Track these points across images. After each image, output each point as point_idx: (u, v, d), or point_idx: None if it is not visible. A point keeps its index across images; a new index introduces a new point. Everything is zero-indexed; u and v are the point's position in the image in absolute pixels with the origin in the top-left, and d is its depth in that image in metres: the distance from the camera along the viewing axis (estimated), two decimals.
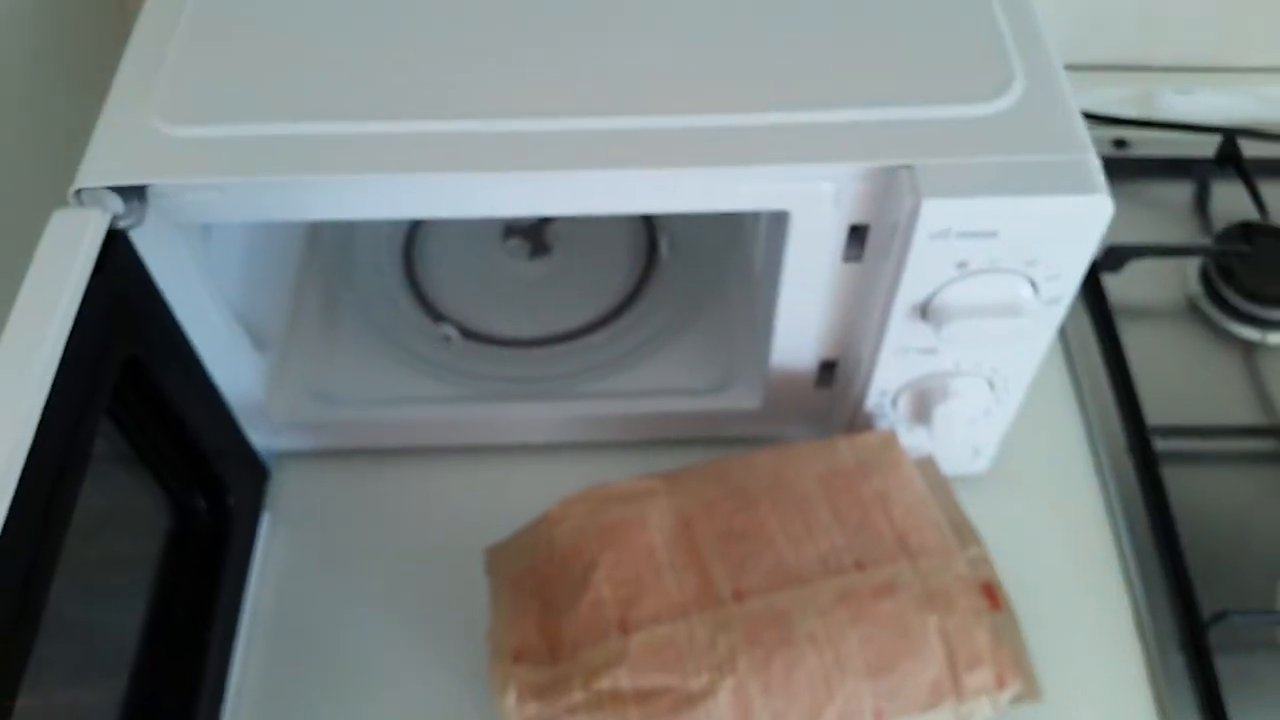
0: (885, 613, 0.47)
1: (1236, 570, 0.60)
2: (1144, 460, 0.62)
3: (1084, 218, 0.46)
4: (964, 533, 0.52)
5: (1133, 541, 0.60)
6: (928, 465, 0.55)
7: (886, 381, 0.55)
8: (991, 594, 0.50)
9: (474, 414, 0.63)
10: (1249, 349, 0.69)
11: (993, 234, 0.46)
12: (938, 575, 0.49)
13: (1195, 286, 0.72)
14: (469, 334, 0.65)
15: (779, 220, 0.49)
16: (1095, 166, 0.46)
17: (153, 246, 0.48)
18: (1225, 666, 0.55)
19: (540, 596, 0.50)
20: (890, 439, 0.54)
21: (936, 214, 0.45)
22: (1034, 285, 0.48)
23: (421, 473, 0.63)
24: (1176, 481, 0.61)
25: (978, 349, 0.53)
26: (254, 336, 0.59)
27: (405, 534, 0.61)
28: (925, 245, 0.46)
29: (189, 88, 0.48)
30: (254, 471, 0.61)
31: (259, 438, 0.61)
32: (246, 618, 0.57)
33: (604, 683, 0.46)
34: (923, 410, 0.56)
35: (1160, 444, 0.63)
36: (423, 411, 0.63)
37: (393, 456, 0.63)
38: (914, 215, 0.45)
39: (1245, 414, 0.66)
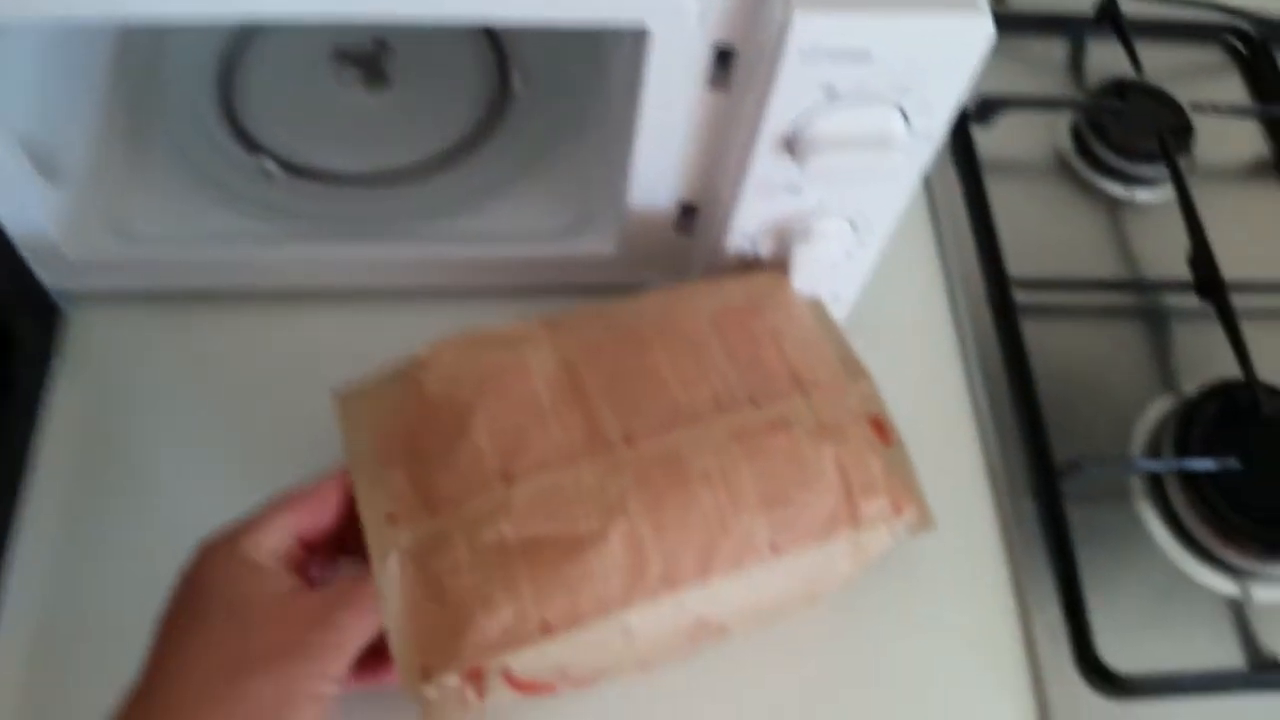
0: (779, 446, 0.46)
1: (1091, 422, 0.61)
2: (1003, 311, 0.63)
3: (963, 41, 0.44)
4: (852, 368, 0.51)
5: (988, 392, 0.61)
6: (815, 305, 0.54)
7: (748, 223, 0.52)
8: (881, 428, 0.49)
9: (297, 254, 0.57)
10: (1115, 206, 0.70)
11: (866, 55, 0.44)
12: (830, 408, 0.48)
13: (1065, 142, 0.73)
14: (292, 168, 0.58)
15: (639, 42, 0.46)
16: None
17: None
18: (1076, 515, 0.57)
19: (409, 449, 0.45)
20: (780, 278, 0.53)
21: (808, 29, 0.42)
22: (905, 117, 0.47)
23: (238, 319, 0.58)
24: (1035, 334, 0.62)
25: (843, 187, 0.51)
26: (46, 165, 0.52)
27: (222, 383, 0.56)
28: (794, 67, 0.43)
29: None
30: (42, 313, 0.56)
31: (50, 276, 0.55)
32: (37, 476, 0.53)
33: (488, 536, 0.42)
34: (783, 252, 0.54)
35: (1020, 296, 0.63)
36: (240, 251, 0.57)
37: (208, 301, 0.57)
38: (784, 30, 0.42)
39: (1108, 269, 0.67)
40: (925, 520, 0.48)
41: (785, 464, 0.45)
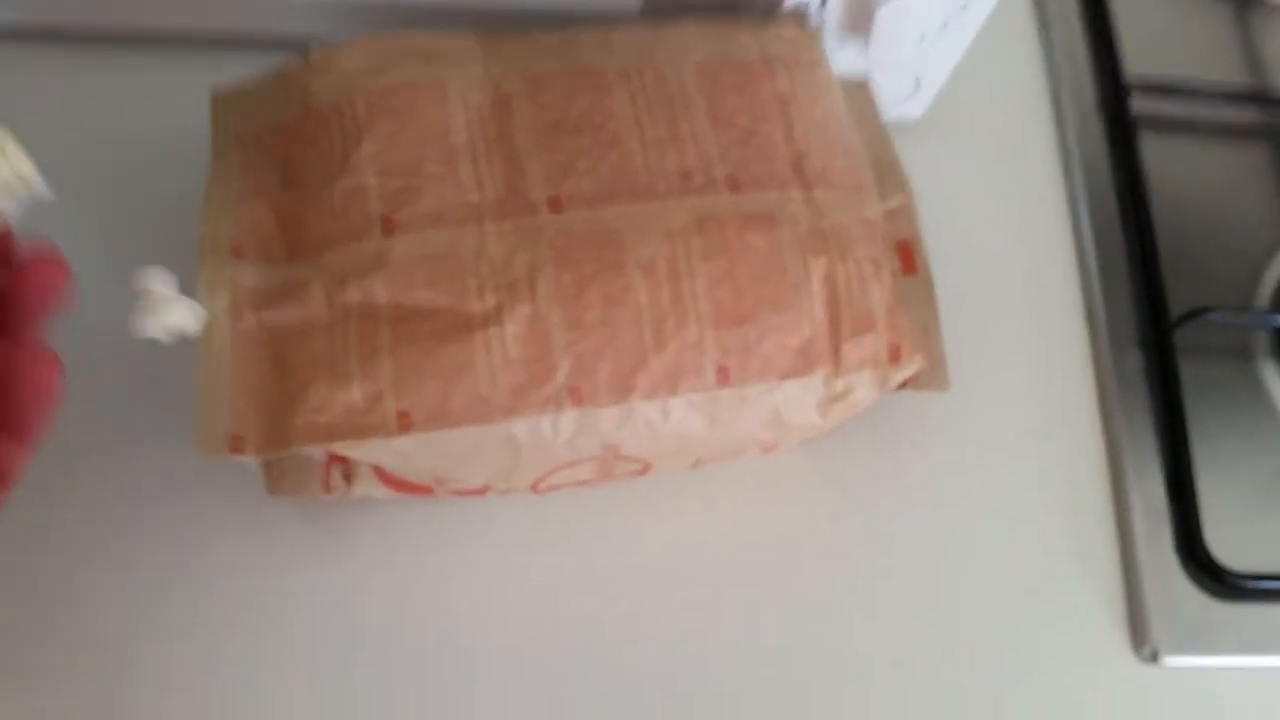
0: (754, 247, 0.35)
1: (1213, 264, 0.50)
2: (1117, 121, 0.51)
3: None
4: (889, 176, 0.40)
5: (1093, 219, 0.50)
6: (859, 89, 0.43)
7: None
8: (909, 255, 0.39)
9: None
10: (1245, 3, 0.57)
11: None
12: (837, 212, 0.37)
13: None
14: None
15: None
16: None
17: None
18: (1188, 375, 0.47)
19: (282, 169, 0.37)
20: (810, 37, 0.41)
21: None
22: None
23: (138, 63, 0.47)
24: (1154, 152, 0.51)
25: None
26: None
27: (115, 138, 0.46)
28: None
29: None
30: None
31: None
32: None
33: (352, 294, 0.34)
34: (863, 10, 0.42)
35: (1139, 104, 0.52)
36: None
37: (97, 42, 0.47)
38: None
39: (1233, 76, 0.55)
40: (936, 378, 0.38)
41: (757, 271, 0.35)
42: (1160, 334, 0.47)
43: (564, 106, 0.37)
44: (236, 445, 0.33)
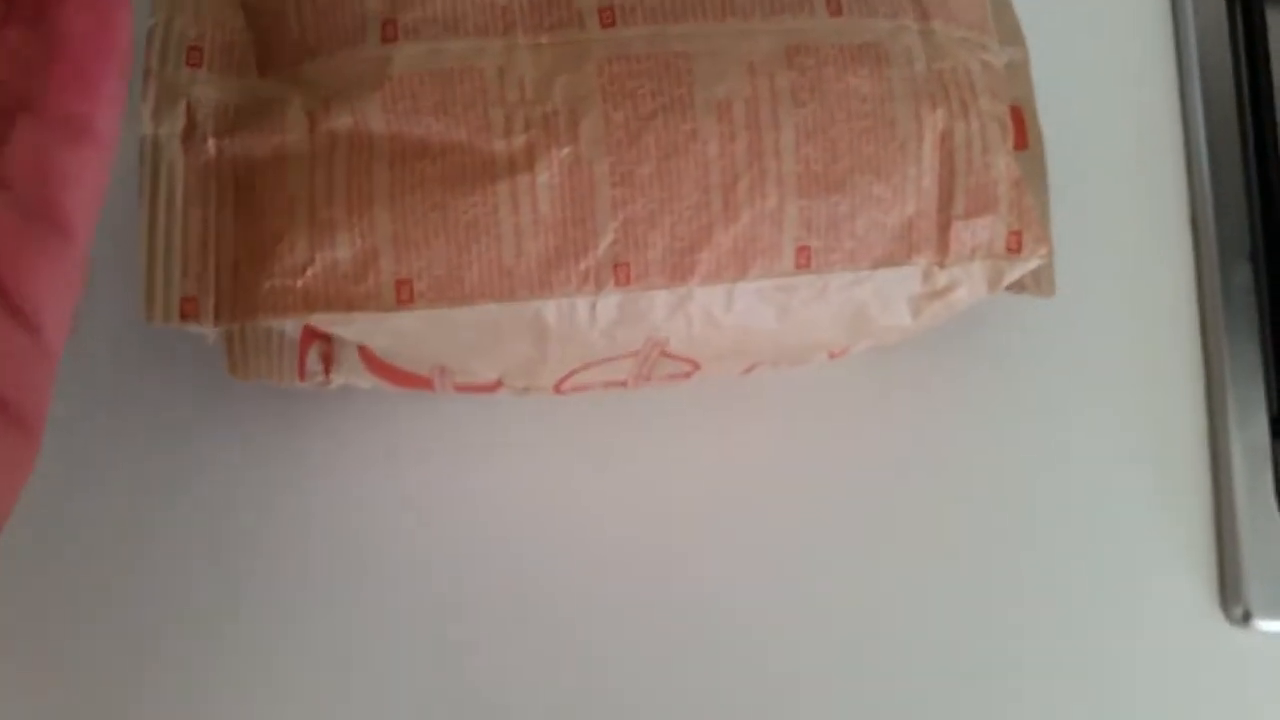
0: (859, 90, 0.28)
1: None
2: (1247, 15, 0.44)
3: None
4: (1006, 23, 0.33)
5: (1205, 105, 0.43)
6: None
7: None
8: (1021, 124, 0.32)
9: None
10: None
11: None
12: (959, 52, 0.30)
13: None
14: None
15: None
16: None
17: None
18: None
19: None
20: None
21: None
22: None
23: None
24: None
25: None
26: None
27: None
28: None
29: None
30: None
31: None
32: None
33: (341, 117, 0.26)
34: None
35: None
36: None
37: None
38: None
39: None
40: (1043, 280, 0.32)
41: (858, 122, 0.28)
42: (1275, 246, 0.41)
43: None
44: (189, 310, 0.26)
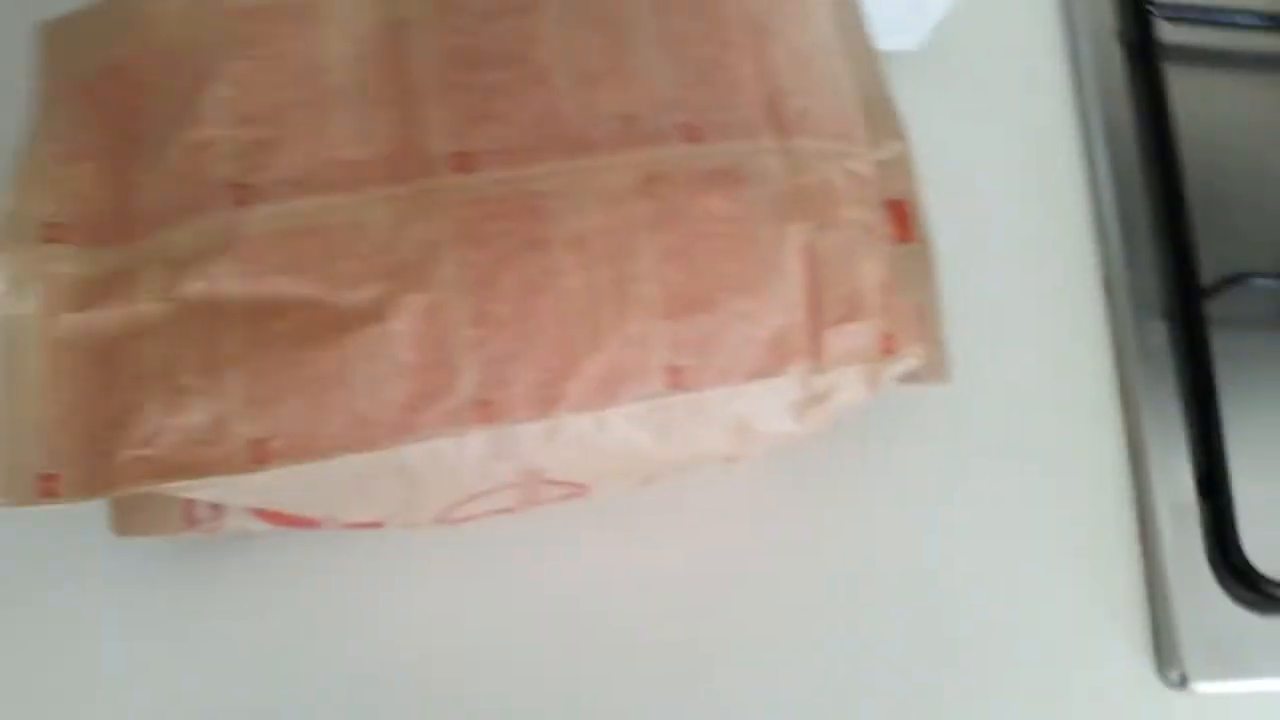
0: (717, 212, 0.29)
1: (1248, 224, 0.45)
2: (1139, 49, 0.45)
3: None
4: (881, 119, 0.33)
5: (1112, 167, 0.44)
6: (847, 9, 0.36)
7: None
8: (903, 217, 0.32)
9: None
10: None
11: None
12: (820, 165, 0.30)
13: None
14: None
15: None
16: None
17: None
18: (1221, 350, 0.42)
19: (115, 126, 0.29)
20: None
21: None
22: None
23: None
24: (1182, 89, 0.45)
25: None
26: None
27: None
28: None
29: None
30: None
31: None
32: None
33: (193, 283, 0.27)
34: None
35: (1165, 32, 0.46)
36: None
37: None
38: None
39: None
40: (934, 368, 0.32)
41: (718, 243, 0.28)
42: (1189, 303, 0.41)
43: (476, 31, 0.29)
44: (48, 488, 0.26)
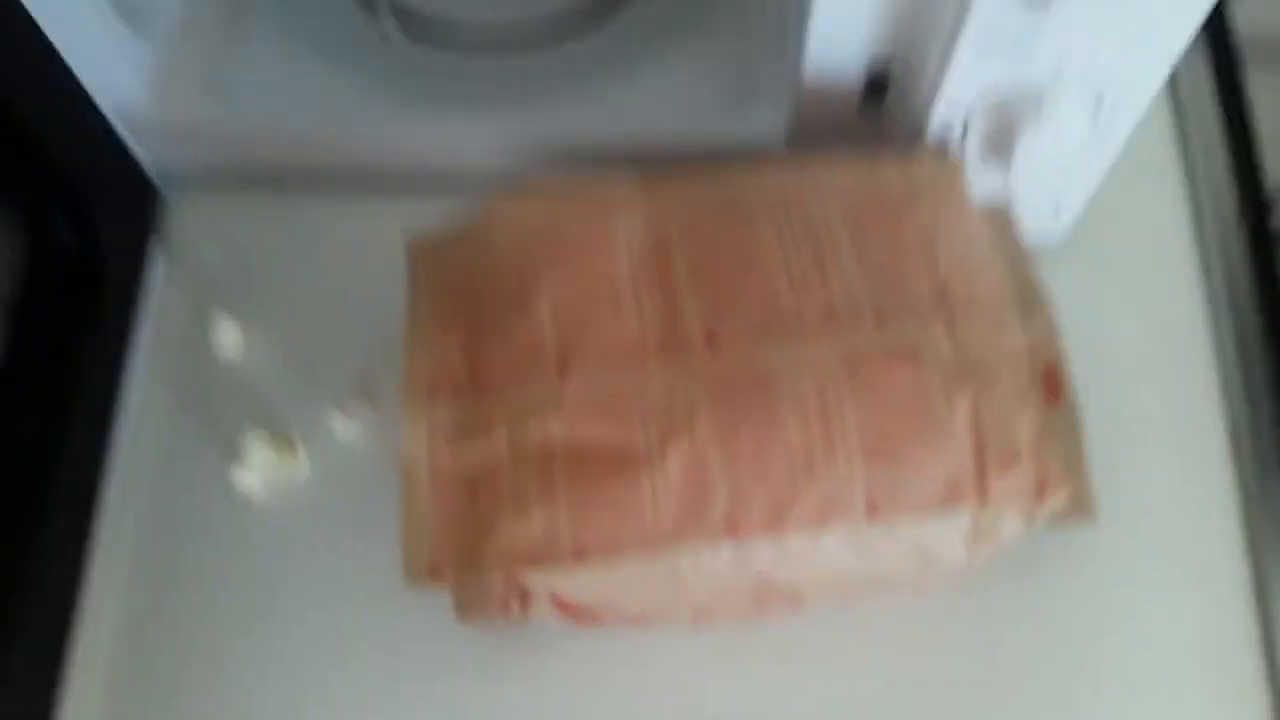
0: (900, 383, 0.38)
1: None
2: (1259, 238, 0.52)
3: None
4: (1030, 302, 0.42)
5: (1236, 337, 0.50)
6: (999, 215, 0.45)
7: (960, 89, 0.43)
8: (1053, 382, 0.41)
9: (418, 128, 0.52)
10: None
11: None
12: (981, 345, 0.39)
13: None
14: (413, 22, 0.53)
15: None
16: None
17: None
18: None
19: (469, 311, 0.41)
20: (952, 164, 0.44)
21: None
22: None
23: (353, 205, 0.52)
24: None
25: (1091, 42, 0.41)
26: (131, 13, 0.49)
27: (334, 280, 0.51)
28: None
29: None
30: (138, 195, 0.51)
31: (143, 149, 0.51)
32: (139, 379, 0.49)
33: (531, 430, 0.38)
34: (1003, 138, 0.44)
35: None
36: (351, 123, 0.52)
37: (315, 184, 0.52)
38: None
39: None
40: (1082, 508, 0.39)
41: (903, 406, 0.37)
42: None
43: (716, 247, 0.41)
44: (435, 574, 0.38)
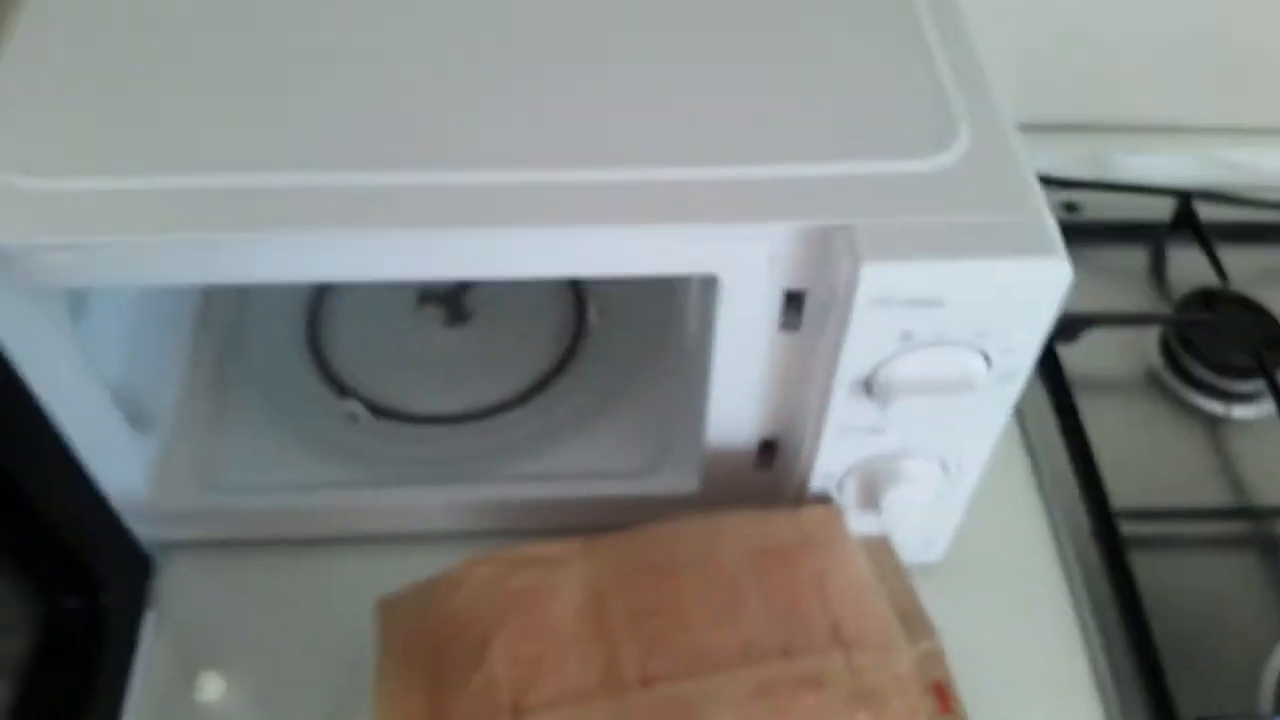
0: (807, 708, 0.44)
1: (1214, 669, 0.57)
2: (1110, 546, 0.61)
3: (1039, 283, 0.44)
4: (915, 625, 0.49)
5: (1102, 636, 0.58)
6: (880, 547, 0.53)
7: (831, 463, 0.52)
8: (943, 695, 0.47)
9: (382, 500, 0.60)
10: (1214, 423, 0.68)
11: (939, 302, 0.44)
12: (873, 671, 0.46)
13: (1156, 357, 0.71)
14: (378, 410, 0.62)
15: (710, 286, 0.47)
16: (1050, 226, 0.44)
17: (5, 314, 0.45)
18: None
19: (431, 665, 0.47)
20: (834, 513, 0.52)
21: (877, 279, 0.43)
22: (986, 358, 0.46)
23: (325, 564, 0.59)
24: (1146, 569, 0.59)
25: (928, 428, 0.51)
26: (136, 416, 0.56)
27: (308, 634, 0.57)
28: (866, 314, 0.44)
29: (52, 137, 0.46)
30: (134, 564, 0.57)
31: (141, 527, 0.57)
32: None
33: None
34: (872, 495, 0.53)
35: (1127, 528, 0.61)
36: (324, 498, 0.60)
37: (293, 547, 0.60)
38: (853, 280, 0.43)
39: (1214, 493, 0.65)
40: None
41: None
42: None
43: (645, 596, 0.48)
44: None
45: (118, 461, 0.54)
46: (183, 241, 0.43)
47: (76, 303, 0.51)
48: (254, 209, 0.43)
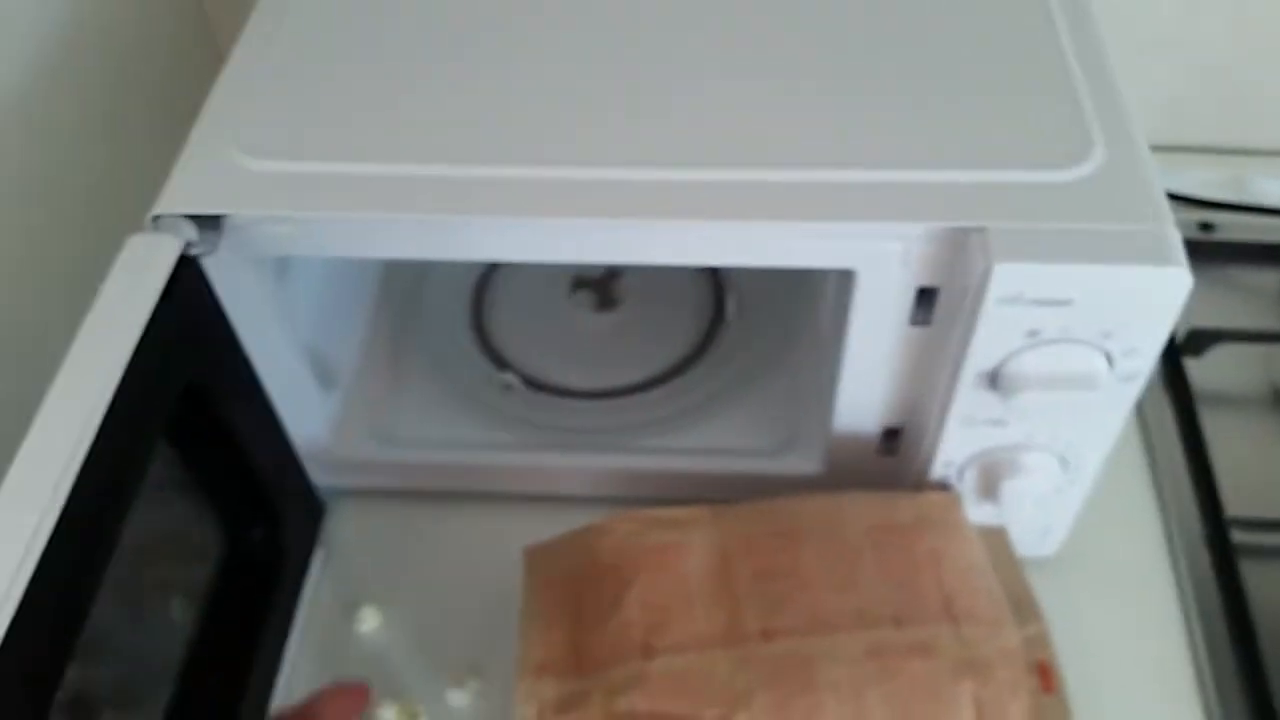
0: (915, 672, 0.47)
1: None
2: (1221, 553, 0.62)
3: (1161, 291, 0.46)
4: (1025, 609, 0.52)
5: (1207, 639, 0.59)
6: (996, 536, 0.55)
7: (953, 452, 0.55)
8: (1046, 675, 0.49)
9: (530, 462, 0.65)
10: None
11: (1066, 302, 0.46)
12: (980, 644, 0.48)
13: None
14: (531, 383, 0.68)
15: (846, 280, 0.51)
16: (1174, 238, 0.46)
17: (225, 277, 0.50)
18: None
19: (573, 606, 0.51)
20: (953, 500, 0.55)
21: (1008, 278, 0.45)
22: (1109, 359, 0.48)
23: (475, 517, 0.65)
24: (1255, 577, 0.60)
25: (1049, 423, 0.53)
26: (322, 374, 0.62)
27: (458, 577, 0.62)
28: (996, 311, 0.47)
29: (273, 123, 0.52)
30: (310, 506, 0.63)
31: (318, 473, 0.63)
32: (291, 652, 0.59)
33: (621, 703, 0.47)
34: (990, 485, 0.56)
35: (1239, 536, 0.62)
36: (481, 457, 0.65)
37: (448, 499, 0.65)
38: (985, 279, 0.46)
39: None
40: None
41: (917, 692, 0.47)
42: None
43: (768, 559, 0.51)
44: None
45: (305, 413, 0.59)
46: (384, 220, 0.49)
47: (280, 271, 0.57)
48: (446, 195, 0.48)
